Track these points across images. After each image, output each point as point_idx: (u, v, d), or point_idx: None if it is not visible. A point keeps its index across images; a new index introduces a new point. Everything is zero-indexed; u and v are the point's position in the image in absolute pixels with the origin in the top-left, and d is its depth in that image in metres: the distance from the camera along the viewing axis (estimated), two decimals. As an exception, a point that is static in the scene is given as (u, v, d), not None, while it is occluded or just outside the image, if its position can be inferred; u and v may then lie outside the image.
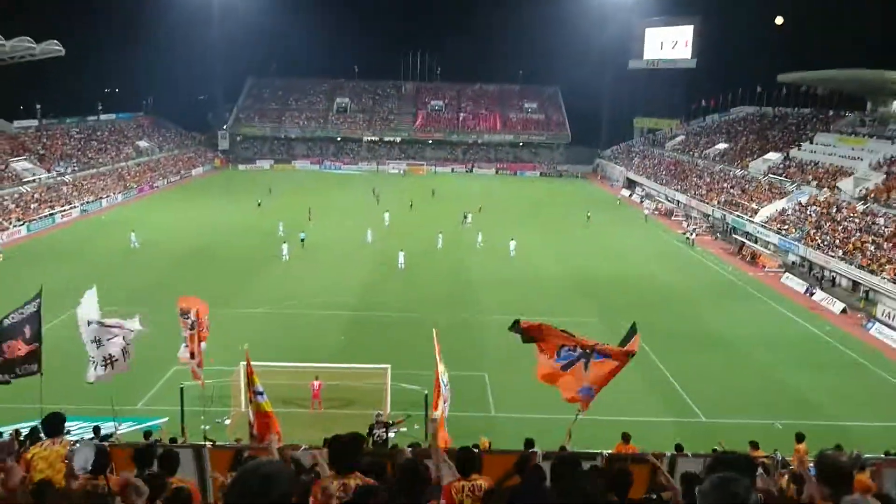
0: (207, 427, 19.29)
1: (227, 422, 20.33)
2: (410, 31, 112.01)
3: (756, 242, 49.93)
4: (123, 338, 14.70)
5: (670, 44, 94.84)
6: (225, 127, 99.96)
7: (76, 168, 66.58)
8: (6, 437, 8.37)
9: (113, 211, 60.24)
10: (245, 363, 18.44)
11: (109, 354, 14.50)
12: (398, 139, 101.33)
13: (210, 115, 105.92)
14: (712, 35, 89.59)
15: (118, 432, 15.78)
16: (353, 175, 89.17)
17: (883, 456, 12.39)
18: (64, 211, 56.20)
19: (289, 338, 28.69)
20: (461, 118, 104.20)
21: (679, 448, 12.87)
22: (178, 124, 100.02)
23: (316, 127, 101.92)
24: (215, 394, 20.53)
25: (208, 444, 11.31)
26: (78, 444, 6.18)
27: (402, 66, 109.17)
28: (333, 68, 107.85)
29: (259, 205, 61.03)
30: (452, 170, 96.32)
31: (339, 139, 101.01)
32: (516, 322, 12.18)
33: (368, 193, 66.64)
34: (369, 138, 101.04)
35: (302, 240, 46.92)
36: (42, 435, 7.21)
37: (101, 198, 62.70)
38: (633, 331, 12.99)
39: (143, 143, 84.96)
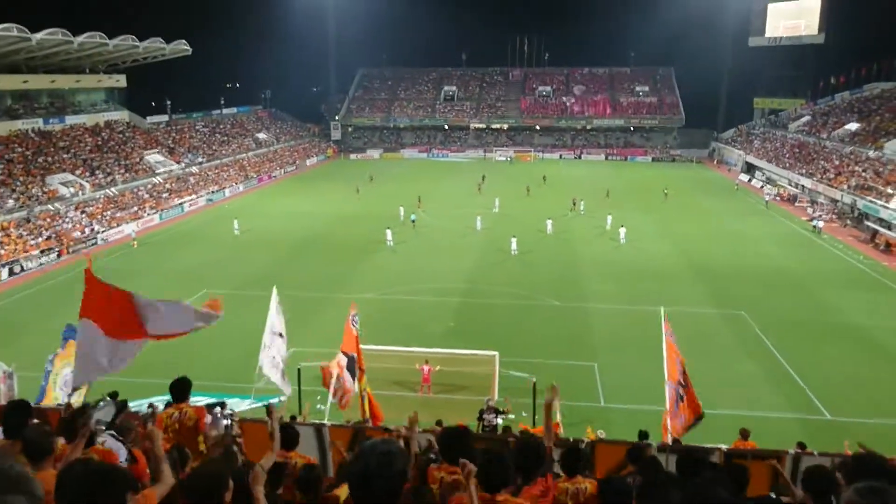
0: (323, 407, 20.15)
1: (334, 401, 21.08)
2: (517, 16, 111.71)
3: (891, 230, 46.28)
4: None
5: (795, 18, 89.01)
6: (337, 118, 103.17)
7: (202, 160, 70.79)
8: (144, 409, 9.14)
9: (235, 200, 63.65)
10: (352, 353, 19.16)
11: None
12: (505, 126, 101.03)
13: (323, 106, 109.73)
14: (842, 7, 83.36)
15: (243, 409, 16.75)
16: (461, 163, 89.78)
17: None
18: (191, 200, 59.94)
19: (398, 323, 29.39)
20: (569, 103, 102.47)
21: (802, 446, 12.22)
22: (293, 116, 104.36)
23: (424, 115, 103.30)
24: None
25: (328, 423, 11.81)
26: (211, 418, 6.60)
27: (510, 52, 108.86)
28: (441, 57, 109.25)
29: (358, 192, 62.74)
30: (560, 156, 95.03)
31: (446, 127, 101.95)
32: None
33: (476, 181, 66.86)
34: (476, 126, 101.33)
35: (413, 221, 49.37)
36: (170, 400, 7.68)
37: (223, 188, 66.39)
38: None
39: (261, 136, 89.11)
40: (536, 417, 19.77)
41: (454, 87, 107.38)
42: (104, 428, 5.97)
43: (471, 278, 36.70)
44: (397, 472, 2.73)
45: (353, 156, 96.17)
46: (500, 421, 18.46)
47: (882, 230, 46.57)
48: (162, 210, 55.33)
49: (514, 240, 41.73)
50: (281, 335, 17.63)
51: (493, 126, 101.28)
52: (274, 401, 17.49)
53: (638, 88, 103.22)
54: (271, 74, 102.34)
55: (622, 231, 44.73)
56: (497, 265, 39.56)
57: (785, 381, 24.26)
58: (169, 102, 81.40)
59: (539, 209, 52.64)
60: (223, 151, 76.68)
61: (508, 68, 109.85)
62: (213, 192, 64.11)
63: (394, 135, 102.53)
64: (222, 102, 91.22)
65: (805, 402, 22.70)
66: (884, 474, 3.57)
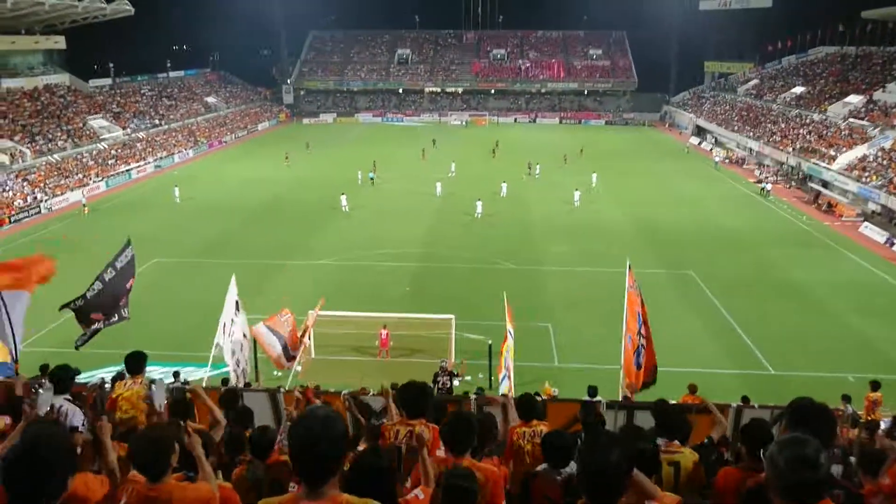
0: (278, 374, 20.14)
1: (298, 369, 21.11)
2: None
3: (833, 191, 47.83)
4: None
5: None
6: (289, 81, 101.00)
7: (149, 125, 68.72)
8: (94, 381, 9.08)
9: (185, 167, 62.13)
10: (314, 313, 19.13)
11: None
12: (460, 90, 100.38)
13: (274, 69, 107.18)
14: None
15: (201, 377, 16.63)
16: (416, 127, 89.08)
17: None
18: (139, 167, 58.31)
19: (354, 289, 29.36)
20: (523, 67, 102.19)
21: (745, 400, 12.73)
22: (243, 80, 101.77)
23: (378, 79, 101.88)
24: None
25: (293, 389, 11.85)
26: (153, 385, 6.67)
27: (463, 15, 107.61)
28: (394, 19, 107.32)
29: (287, 159, 61.19)
30: (515, 120, 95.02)
31: (400, 91, 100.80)
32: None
33: (426, 146, 66.22)
34: (431, 89, 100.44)
35: (372, 178, 51.46)
36: (126, 373, 7.71)
37: (172, 154, 64.70)
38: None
39: (210, 100, 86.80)
40: (492, 379, 20.13)
41: (408, 50, 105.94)
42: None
43: (427, 242, 36.77)
44: (338, 438, 2.78)
45: (306, 120, 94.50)
46: (455, 383, 18.74)
47: (825, 191, 48.07)
48: (108, 177, 53.69)
49: (479, 203, 41.89)
50: (245, 335, 17.62)
51: (448, 90, 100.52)
52: (226, 368, 17.41)
53: (591, 52, 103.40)
54: (219, 36, 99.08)
55: (577, 194, 45.18)
56: (453, 229, 39.66)
57: (731, 338, 25.11)
58: (112, 65, 78.44)
59: (495, 173, 52.75)
60: (171, 116, 74.51)
61: (462, 31, 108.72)
62: (161, 158, 62.42)
63: (348, 98, 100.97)
64: (168, 65, 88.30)
65: (750, 358, 23.56)
66: (817, 422, 3.75)
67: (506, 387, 15.39)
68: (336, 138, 77.22)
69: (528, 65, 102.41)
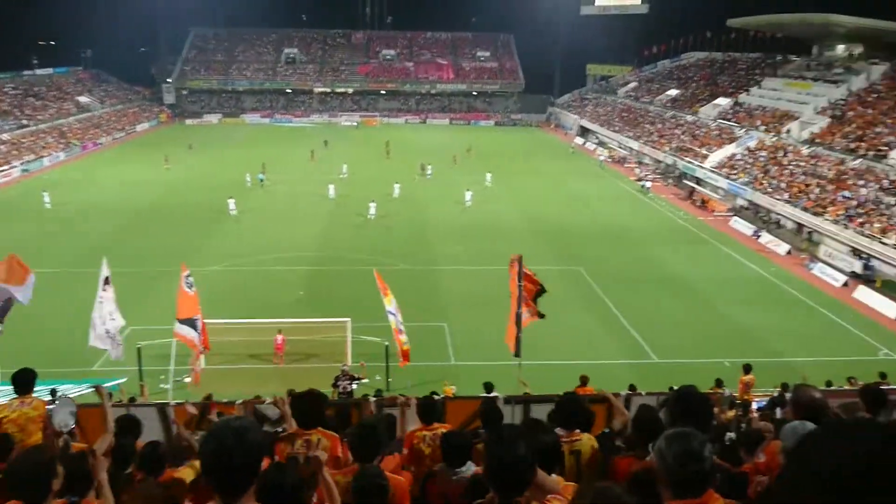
0: (168, 386, 19.27)
1: (188, 380, 20.27)
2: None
3: (706, 188, 51.00)
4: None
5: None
6: (170, 80, 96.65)
7: (14, 126, 63.81)
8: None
9: (56, 170, 58.15)
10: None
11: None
12: (350, 90, 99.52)
13: (153, 68, 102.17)
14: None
15: (78, 393, 15.63)
16: (306, 128, 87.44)
17: (824, 388, 13.09)
18: (3, 171, 54.02)
19: (246, 295, 28.51)
20: (413, 68, 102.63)
21: (633, 388, 13.37)
22: (120, 78, 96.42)
23: (264, 79, 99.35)
24: (180, 352, 20.43)
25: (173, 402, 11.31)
26: (56, 404, 6.10)
27: (352, 14, 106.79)
28: (280, 17, 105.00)
29: (166, 161, 58.43)
30: (406, 121, 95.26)
31: (289, 91, 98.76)
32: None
33: (315, 147, 65.09)
34: (320, 90, 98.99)
35: (261, 180, 49.99)
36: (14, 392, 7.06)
37: (42, 156, 60.40)
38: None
39: (84, 99, 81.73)
40: (390, 380, 20.11)
41: (296, 50, 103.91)
42: None
43: (320, 245, 36.22)
44: (254, 447, 2.68)
45: (189, 121, 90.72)
46: (355, 386, 18.58)
47: (698, 188, 51.18)
48: (-32, 182, 49.50)
49: (372, 204, 41.64)
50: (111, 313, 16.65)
51: (338, 90, 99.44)
52: (111, 383, 16.50)
53: (479, 54, 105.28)
54: (92, 32, 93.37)
55: (468, 194, 45.80)
56: (346, 231, 39.27)
57: (618, 330, 26.29)
58: (-31, 61, 72.40)
59: (387, 174, 52.63)
60: (39, 117, 69.55)
61: (351, 31, 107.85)
62: (28, 161, 58.10)
63: (233, 98, 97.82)
64: (35, 62, 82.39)
65: (636, 348, 24.75)
66: (697, 410, 3.95)
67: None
68: (222, 139, 74.62)
69: (417, 66, 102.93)
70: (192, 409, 9.05)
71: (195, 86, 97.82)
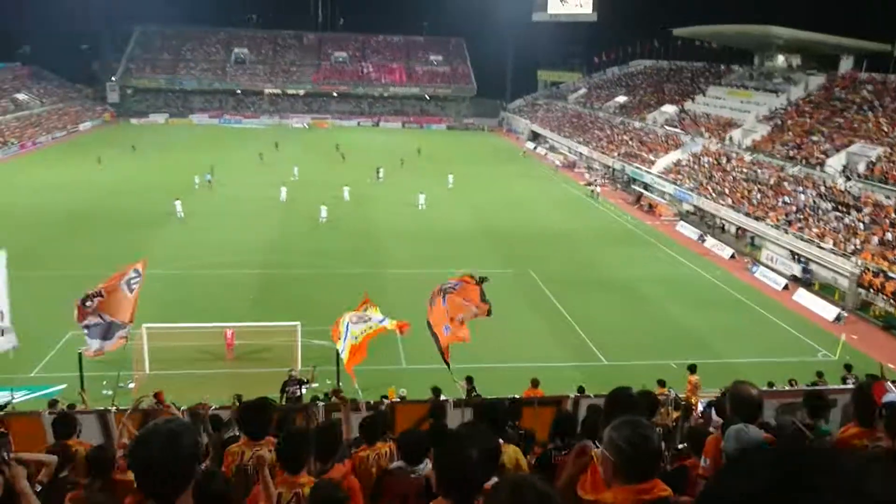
0: (109, 392, 18.71)
1: (132, 385, 19.71)
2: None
3: (653, 193, 52.08)
4: None
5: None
6: (114, 79, 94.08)
7: (-54, 123, 61.26)
8: None
9: (-8, 169, 55.96)
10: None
11: None
12: (301, 92, 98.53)
13: (96, 65, 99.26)
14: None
15: (14, 401, 15.06)
16: (256, 129, 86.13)
17: (766, 388, 13.48)
18: (-65, 170, 51.81)
19: (193, 299, 27.89)
20: (366, 70, 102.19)
21: (581, 390, 13.53)
22: (60, 76, 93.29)
23: (213, 79, 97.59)
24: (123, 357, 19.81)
25: (112, 408, 11.00)
26: None
27: (304, 15, 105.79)
28: (228, 16, 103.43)
29: (99, 162, 57.23)
30: (358, 123, 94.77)
31: (238, 91, 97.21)
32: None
33: (262, 150, 64.10)
34: (271, 91, 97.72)
35: (209, 180, 49.36)
36: None
37: (-24, 155, 58.10)
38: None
39: (21, 96, 78.93)
40: (341, 384, 19.89)
41: (245, 50, 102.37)
42: None
43: (270, 249, 35.69)
44: (185, 454, 2.59)
45: (134, 120, 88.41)
46: (303, 391, 18.37)
47: (646, 193, 52.23)
48: None
49: (323, 208, 41.25)
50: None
51: (289, 91, 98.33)
52: (51, 390, 15.94)
53: (432, 58, 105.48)
54: (30, 27, 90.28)
55: (421, 197, 45.80)
56: (296, 235, 38.81)
57: (567, 333, 26.59)
58: None
59: (339, 177, 52.21)
60: (-27, 114, 66.92)
61: (303, 32, 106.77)
62: (-38, 160, 55.85)
63: (181, 98, 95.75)
64: (-32, 57, 79.28)
65: (585, 350, 25.08)
66: (632, 406, 4.02)
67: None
68: (168, 140, 72.93)
69: (370, 69, 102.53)
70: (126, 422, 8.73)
71: (140, 84, 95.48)
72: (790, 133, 48.33)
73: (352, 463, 5.67)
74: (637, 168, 56.58)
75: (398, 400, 14.58)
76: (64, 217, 40.32)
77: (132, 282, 15.67)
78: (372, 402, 10.82)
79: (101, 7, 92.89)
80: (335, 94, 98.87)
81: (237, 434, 6.64)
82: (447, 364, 14.16)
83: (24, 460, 4.85)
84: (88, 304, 14.44)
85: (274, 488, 4.18)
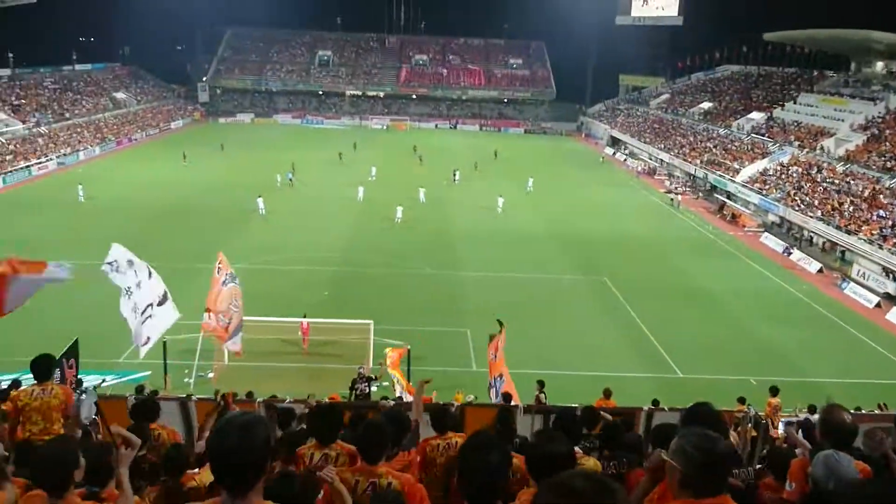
0: (190, 381, 19.47)
1: (211, 375, 20.46)
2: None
3: (737, 202, 50.33)
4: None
5: (658, 0, 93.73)
6: (204, 79, 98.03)
7: (51, 119, 65.18)
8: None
9: (91, 164, 59.22)
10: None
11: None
12: (381, 94, 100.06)
13: (189, 66, 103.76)
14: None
15: (104, 384, 15.85)
16: (336, 130, 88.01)
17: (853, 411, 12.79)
18: (40, 163, 55.19)
19: (271, 294, 28.65)
20: (445, 73, 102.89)
21: (656, 403, 13.16)
22: (156, 76, 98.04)
23: (297, 80, 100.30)
24: (205, 348, 20.70)
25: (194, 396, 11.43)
26: (84, 395, 6.08)
27: (386, 18, 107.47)
28: (315, 20, 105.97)
29: (184, 158, 59.34)
30: (436, 126, 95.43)
31: (321, 93, 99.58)
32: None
33: (344, 149, 65.46)
34: (352, 93, 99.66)
35: (290, 179, 50.97)
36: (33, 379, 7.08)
37: (77, 150, 61.56)
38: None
39: (120, 95, 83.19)
40: (411, 384, 20.03)
41: (329, 52, 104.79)
42: None
43: (347, 247, 36.38)
44: (258, 445, 2.67)
45: (222, 119, 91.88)
46: (374, 389, 18.61)
47: (729, 202, 50.51)
48: (5, 173, 50.57)
49: (399, 208, 41.79)
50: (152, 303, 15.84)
51: (369, 94, 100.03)
52: (136, 376, 16.71)
53: (512, 61, 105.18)
54: (130, 29, 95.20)
55: (500, 200, 45.78)
56: (373, 234, 39.40)
57: (643, 343, 25.97)
58: (11, 55, 73.95)
59: (415, 178, 52.75)
60: (76, 111, 70.92)
61: (385, 35, 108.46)
62: (64, 154, 59.28)
63: (266, 99, 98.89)
64: (74, 57, 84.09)
65: (660, 362, 24.42)
66: (711, 422, 3.90)
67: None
68: (253, 139, 75.39)
69: (449, 71, 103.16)
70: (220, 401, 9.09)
71: (229, 85, 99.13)
72: (888, 143, 45.78)
73: (419, 452, 5.70)
74: (720, 176, 54.78)
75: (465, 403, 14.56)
76: (161, 212, 42.14)
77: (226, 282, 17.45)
78: (441, 402, 10.85)
79: (195, 10, 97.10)
80: (414, 97, 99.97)
81: (304, 427, 6.76)
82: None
83: (122, 435, 5.08)
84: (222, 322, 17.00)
85: (348, 493, 4.24)
